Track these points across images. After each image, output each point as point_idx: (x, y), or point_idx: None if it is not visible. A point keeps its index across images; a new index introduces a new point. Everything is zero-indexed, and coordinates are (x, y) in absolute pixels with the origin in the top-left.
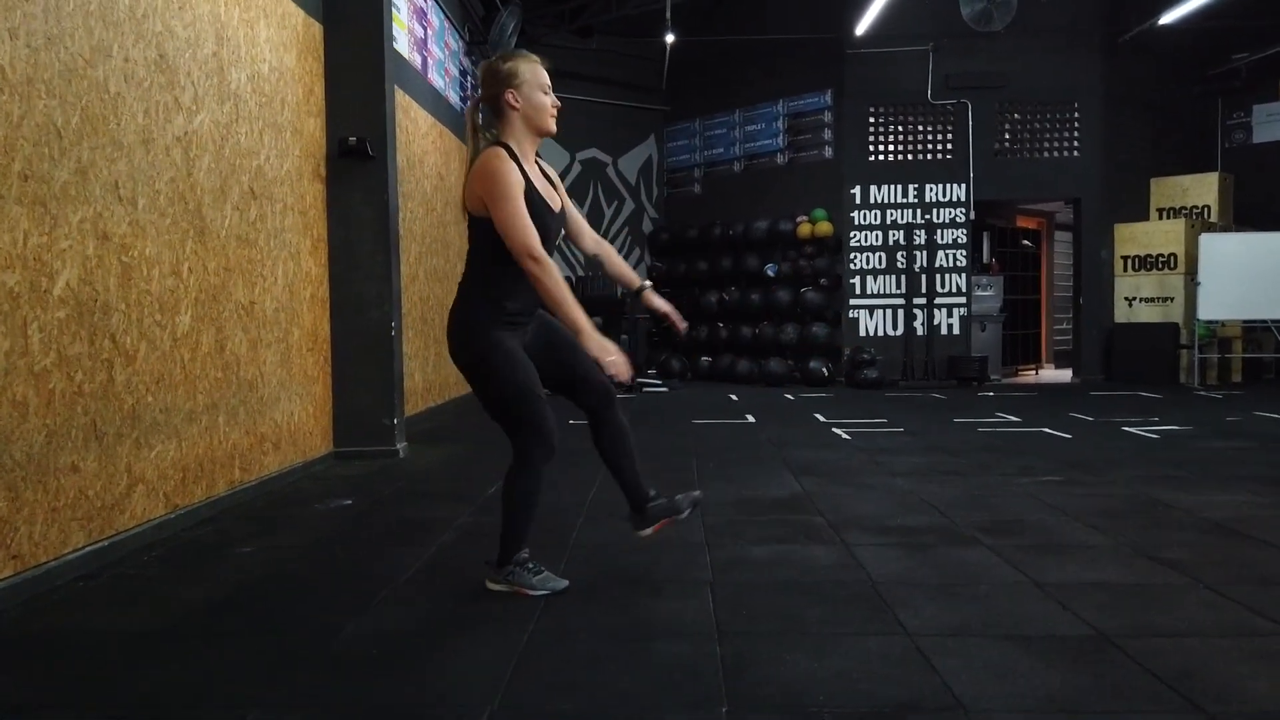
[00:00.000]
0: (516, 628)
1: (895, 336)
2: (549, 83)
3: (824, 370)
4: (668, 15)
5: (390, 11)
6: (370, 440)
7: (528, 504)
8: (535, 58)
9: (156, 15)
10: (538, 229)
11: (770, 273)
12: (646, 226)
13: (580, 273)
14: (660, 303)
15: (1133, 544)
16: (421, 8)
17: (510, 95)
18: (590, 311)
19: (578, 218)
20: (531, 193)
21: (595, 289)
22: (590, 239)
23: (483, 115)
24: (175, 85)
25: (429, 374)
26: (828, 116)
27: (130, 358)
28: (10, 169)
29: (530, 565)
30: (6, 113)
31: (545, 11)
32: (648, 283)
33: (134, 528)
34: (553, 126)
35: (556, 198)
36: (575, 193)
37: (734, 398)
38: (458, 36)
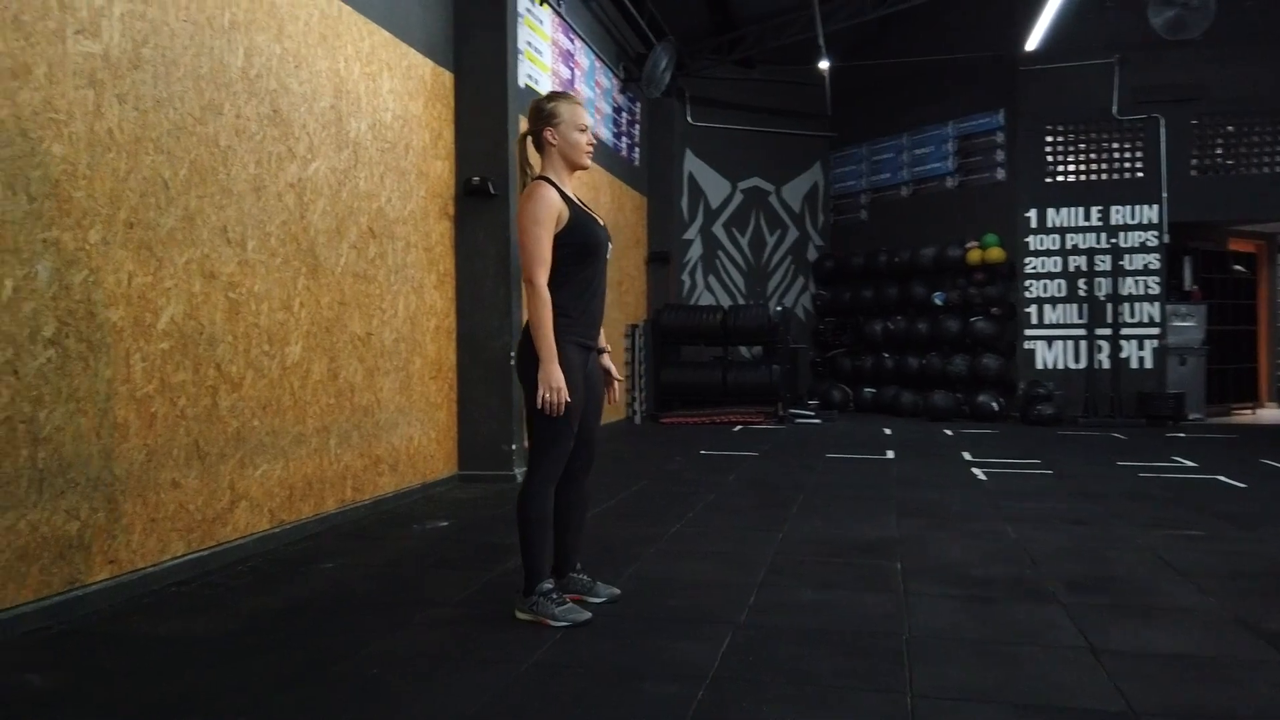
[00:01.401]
0: (519, 660)
1: (1077, 370)
2: (586, 122)
3: (994, 405)
4: (821, 42)
5: (515, 61)
6: (491, 464)
7: (540, 530)
8: (575, 98)
9: (271, 74)
10: (587, 237)
11: (938, 301)
12: (811, 254)
13: (734, 301)
14: (612, 366)
15: (1237, 612)
16: (569, 50)
17: (549, 133)
18: (741, 339)
19: None
20: (575, 211)
21: (744, 318)
22: None
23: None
24: (290, 137)
25: None
26: (1000, 137)
27: (236, 384)
28: (116, 218)
29: (554, 596)
30: (114, 168)
31: (703, 45)
32: (607, 347)
33: (236, 540)
34: (586, 161)
35: (599, 215)
36: (737, 222)
37: (888, 431)
38: (610, 75)
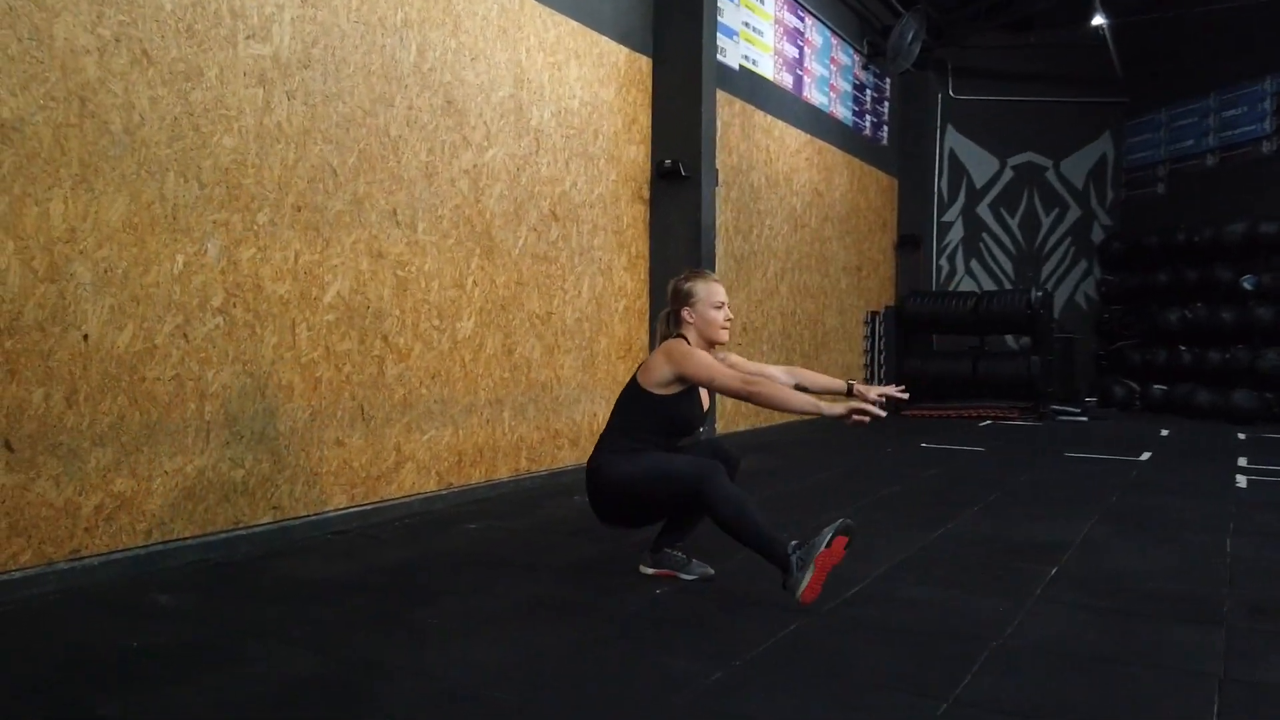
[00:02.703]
0: (543, 629)
1: None
2: (722, 299)
3: None
4: None
5: (712, 43)
6: None
7: (744, 515)
8: (712, 276)
9: (445, 68)
10: (683, 420)
11: (1248, 285)
12: (1096, 235)
13: (1001, 288)
14: (873, 392)
15: None
16: (797, 28)
17: (686, 312)
18: (996, 328)
19: (762, 368)
20: (693, 391)
21: (999, 305)
22: (783, 374)
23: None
24: (464, 126)
25: None
26: None
27: (403, 355)
28: (284, 202)
29: (801, 544)
30: (282, 158)
31: (960, 12)
32: (852, 381)
33: (400, 498)
34: (722, 337)
35: (706, 400)
36: (1006, 201)
37: (1164, 433)
38: (850, 51)
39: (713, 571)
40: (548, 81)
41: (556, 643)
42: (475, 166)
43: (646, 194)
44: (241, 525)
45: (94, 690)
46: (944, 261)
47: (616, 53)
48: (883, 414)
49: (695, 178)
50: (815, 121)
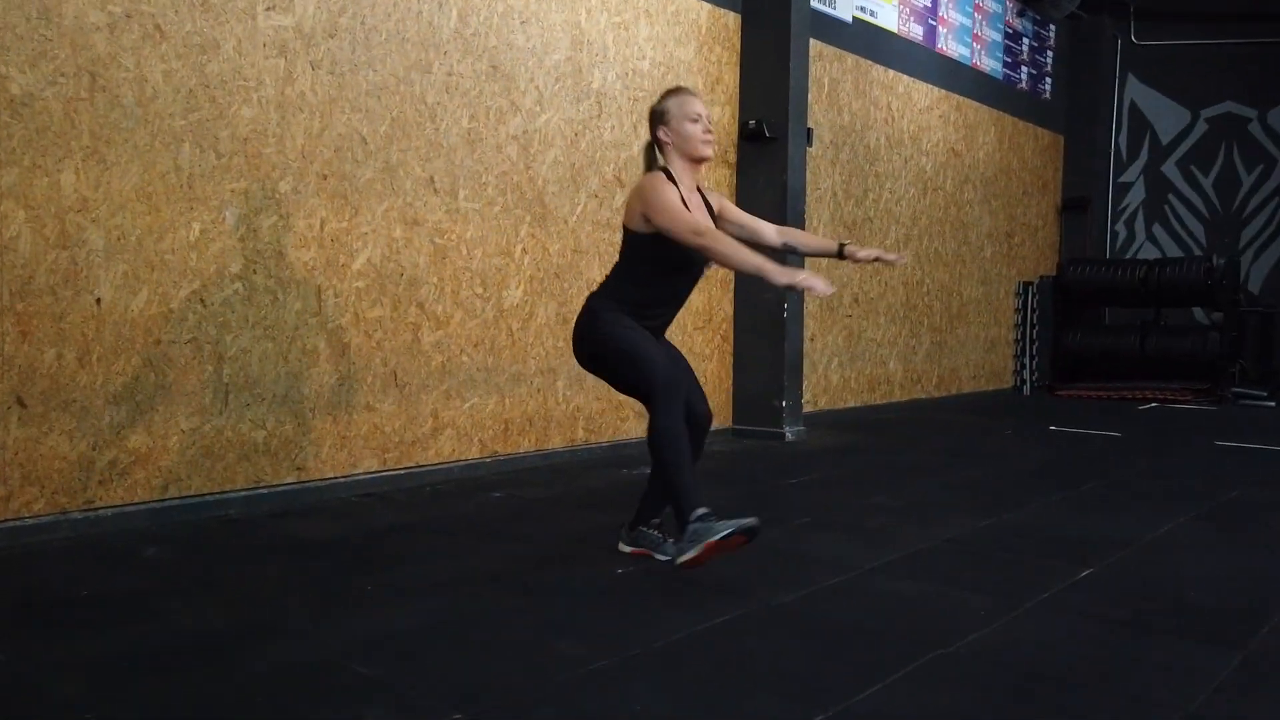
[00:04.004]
0: (469, 601)
1: None
2: (698, 111)
3: None
4: None
5: None
6: (761, 420)
7: (676, 463)
8: (686, 89)
9: (491, 32)
10: (678, 255)
11: None
12: None
13: (1191, 254)
14: (865, 252)
15: None
16: None
17: (663, 133)
18: (1170, 299)
19: (754, 222)
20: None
21: (1173, 274)
22: (774, 232)
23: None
24: (513, 90)
25: (909, 364)
26: None
27: (442, 322)
28: (309, 170)
29: (711, 517)
30: (306, 127)
31: None
32: (845, 241)
33: (437, 463)
34: (704, 152)
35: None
36: (1199, 159)
37: None
38: None
39: (691, 554)
40: (611, 43)
41: (470, 615)
42: (525, 132)
43: (733, 158)
44: (263, 484)
45: (7, 634)
46: (1120, 227)
47: (697, 10)
48: (828, 290)
49: (782, 139)
50: (952, 75)
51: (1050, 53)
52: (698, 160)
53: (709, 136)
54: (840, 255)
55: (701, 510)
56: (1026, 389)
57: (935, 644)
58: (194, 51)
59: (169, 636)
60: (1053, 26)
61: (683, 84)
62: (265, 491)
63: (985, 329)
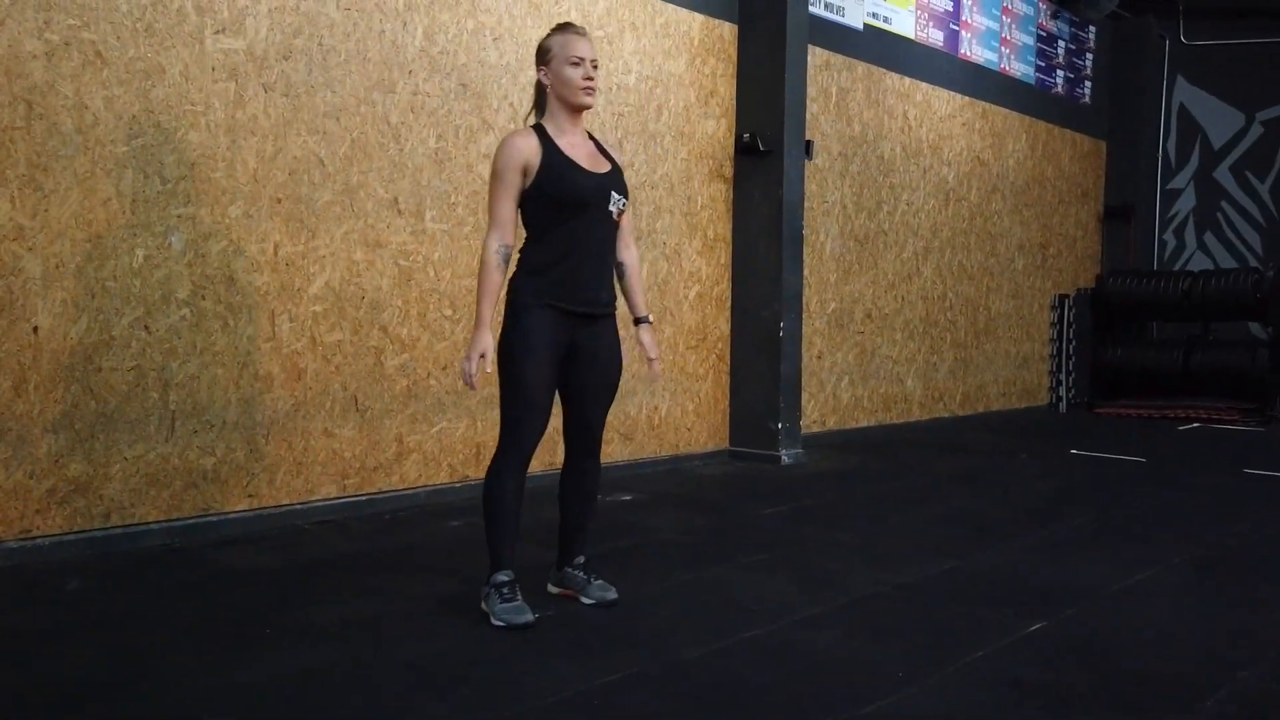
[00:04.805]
0: (336, 649)
1: None
2: (580, 53)
3: None
4: None
5: (802, 3)
6: (758, 442)
7: (490, 510)
8: (574, 27)
9: (461, 50)
10: (561, 189)
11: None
12: None
13: (1245, 265)
14: (646, 345)
15: None
16: None
17: (541, 73)
18: (1215, 313)
19: (625, 232)
20: (552, 160)
21: (1218, 286)
22: (625, 250)
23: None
24: (484, 109)
25: (929, 382)
26: None
27: (407, 346)
28: (261, 194)
29: (504, 590)
30: (258, 151)
31: None
32: (649, 317)
33: (402, 489)
34: (583, 100)
35: (601, 164)
36: (1254, 164)
37: None
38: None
39: (614, 597)
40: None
41: (356, 664)
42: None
43: (729, 172)
44: (212, 512)
45: None
46: (1169, 236)
47: (688, 21)
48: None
49: (777, 151)
50: (977, 81)
51: (1089, 55)
52: (575, 108)
53: (589, 83)
54: (636, 324)
55: (501, 577)
56: (1062, 406)
57: (827, 712)
58: (137, 77)
59: (34, 684)
60: (1092, 28)
61: (572, 23)
62: (215, 519)
63: (1016, 344)
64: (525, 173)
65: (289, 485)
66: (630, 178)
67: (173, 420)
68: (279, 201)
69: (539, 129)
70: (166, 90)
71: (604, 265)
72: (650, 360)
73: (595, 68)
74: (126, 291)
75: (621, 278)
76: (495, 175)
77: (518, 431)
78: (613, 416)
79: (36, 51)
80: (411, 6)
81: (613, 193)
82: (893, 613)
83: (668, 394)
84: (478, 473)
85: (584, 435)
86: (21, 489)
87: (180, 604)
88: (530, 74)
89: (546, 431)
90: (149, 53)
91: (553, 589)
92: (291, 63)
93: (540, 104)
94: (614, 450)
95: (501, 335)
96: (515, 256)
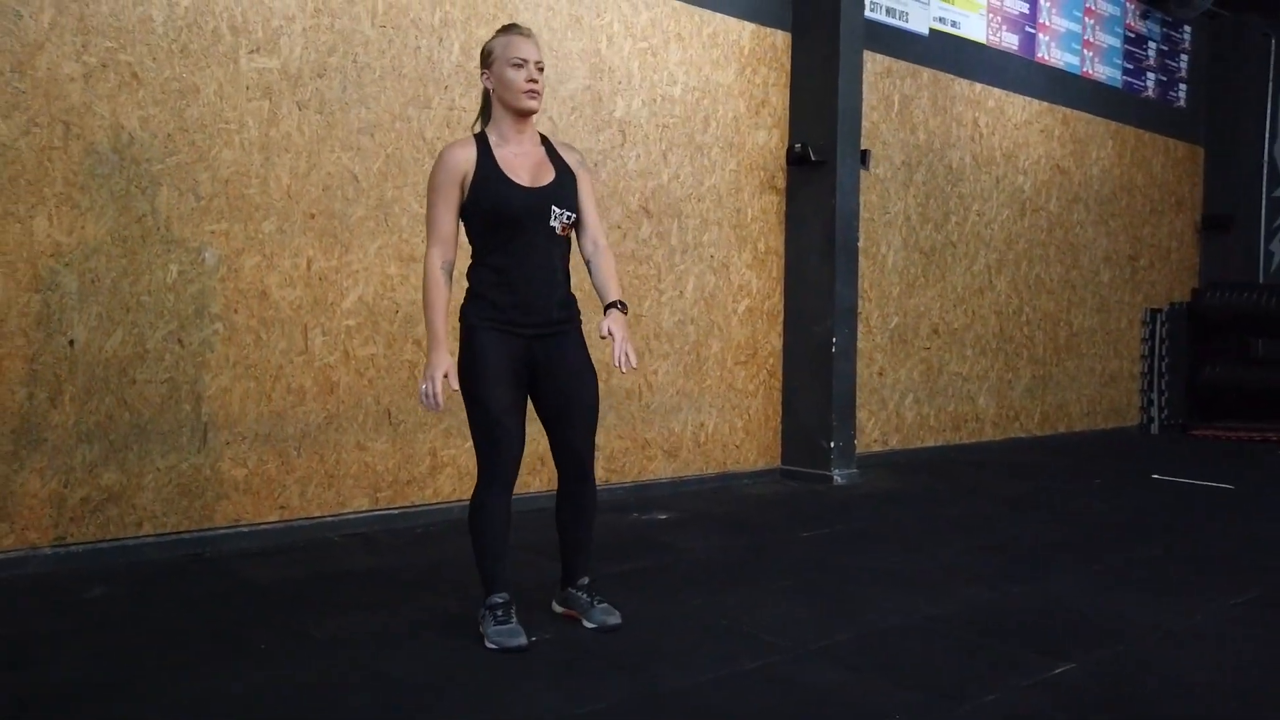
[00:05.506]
0: (311, 666)
1: None
2: (523, 55)
3: None
4: None
5: (857, 6)
6: (810, 461)
7: (477, 540)
8: (519, 28)
9: None
10: (495, 203)
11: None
12: None
13: None
14: (614, 327)
15: None
16: None
17: (484, 76)
18: None
19: (589, 219)
20: (488, 172)
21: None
22: (589, 242)
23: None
24: None
25: (1004, 400)
26: None
27: None
28: (294, 209)
29: (498, 612)
30: (292, 168)
31: None
32: (620, 302)
33: (436, 503)
34: (526, 104)
35: (543, 176)
36: None
37: None
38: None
39: (616, 621)
40: (637, 69)
41: (337, 683)
42: None
43: (781, 183)
44: (243, 523)
45: None
46: (1275, 247)
47: (738, 30)
48: (432, 407)
49: (830, 161)
50: (1057, 86)
51: (1184, 57)
52: (518, 113)
53: (532, 86)
54: (605, 310)
55: (495, 599)
56: (1154, 427)
57: None
58: (172, 97)
59: (23, 690)
60: (1187, 28)
61: (517, 24)
62: (246, 530)
63: (1103, 361)
64: (463, 185)
65: (320, 498)
66: (675, 190)
67: (205, 432)
68: (312, 217)
69: (480, 138)
70: (201, 109)
71: (551, 283)
72: (613, 345)
73: (540, 70)
74: (160, 306)
75: (592, 275)
76: (432, 188)
77: (493, 460)
78: (656, 433)
79: (75, 74)
80: (448, 23)
81: (553, 207)
82: (910, 646)
83: (714, 410)
84: (515, 489)
85: (569, 459)
86: (56, 497)
87: (193, 613)
88: (571, 87)
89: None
90: (184, 73)
91: (557, 608)
92: (326, 80)
93: (486, 110)
94: (657, 467)
95: (458, 363)
96: (465, 282)
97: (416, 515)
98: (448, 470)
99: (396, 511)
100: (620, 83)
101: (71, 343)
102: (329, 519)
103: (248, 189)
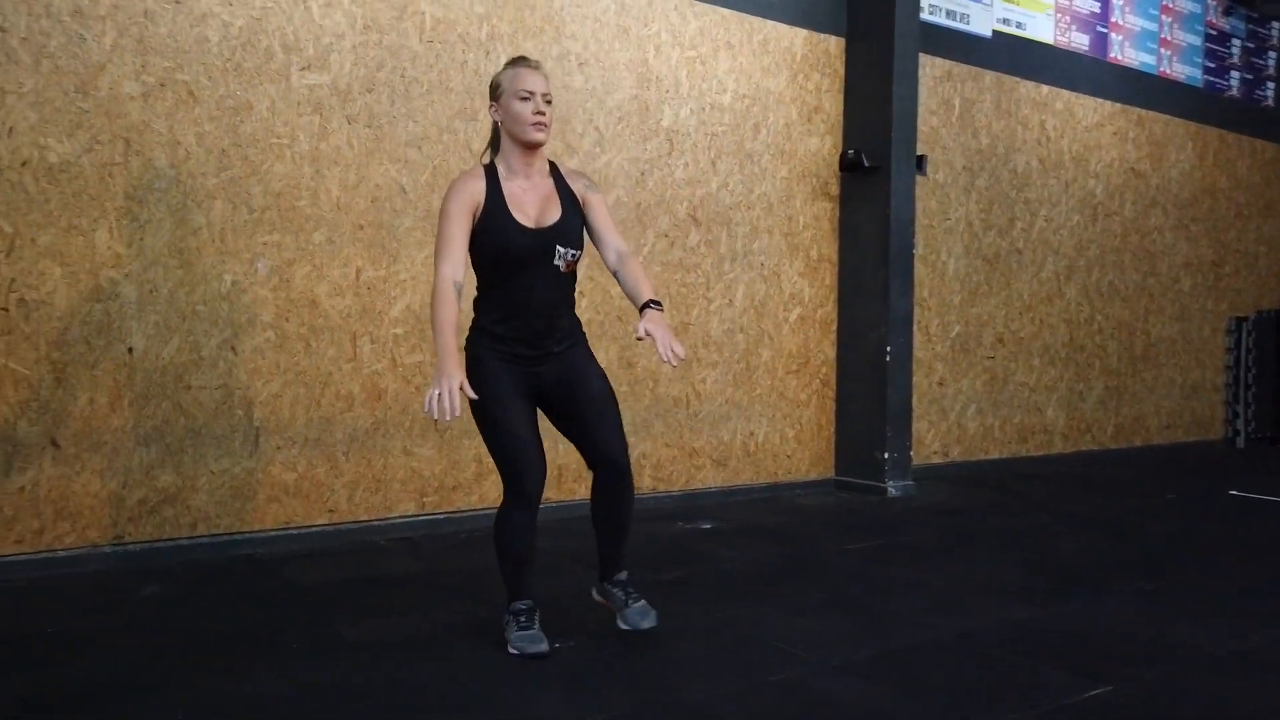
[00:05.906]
0: (323, 667)
1: None
2: (530, 88)
3: None
4: None
5: (912, 9)
6: (863, 473)
7: (502, 553)
8: (526, 60)
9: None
10: (495, 241)
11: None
12: None
13: None
14: (650, 326)
15: None
16: None
17: (492, 109)
18: None
19: (606, 233)
20: (495, 207)
21: None
22: (614, 255)
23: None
24: (568, 133)
25: (1074, 412)
26: None
27: None
28: (344, 220)
29: (521, 619)
30: (342, 180)
31: None
32: (655, 300)
33: (484, 508)
34: (534, 136)
35: (549, 213)
36: None
37: None
38: None
39: (650, 624)
40: (685, 78)
41: (351, 688)
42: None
43: (835, 190)
44: (293, 525)
45: None
46: None
47: (790, 36)
48: (445, 416)
49: (884, 167)
50: (1131, 86)
51: (1272, 54)
52: (526, 145)
53: (539, 118)
54: (641, 311)
55: (519, 605)
56: (1240, 441)
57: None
58: (227, 114)
59: (49, 687)
60: (1275, 25)
61: (525, 56)
62: (295, 532)
63: (1183, 372)
64: (474, 214)
65: (367, 502)
66: (724, 198)
67: (257, 436)
68: (361, 228)
69: (490, 169)
70: (254, 125)
71: (554, 320)
72: (655, 343)
73: (549, 102)
74: (215, 315)
75: (622, 285)
76: (445, 213)
77: (516, 478)
78: (704, 441)
79: (134, 93)
80: (495, 36)
81: (558, 246)
82: (938, 664)
83: (765, 419)
84: (559, 495)
85: (604, 460)
86: (115, 498)
87: (233, 613)
88: (618, 97)
89: (632, 453)
90: (238, 90)
91: (596, 597)
92: (374, 95)
93: (495, 142)
94: (706, 476)
95: (474, 399)
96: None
97: (462, 520)
98: (493, 477)
99: (442, 516)
100: (668, 91)
101: (130, 350)
102: (376, 523)
103: (299, 201)
